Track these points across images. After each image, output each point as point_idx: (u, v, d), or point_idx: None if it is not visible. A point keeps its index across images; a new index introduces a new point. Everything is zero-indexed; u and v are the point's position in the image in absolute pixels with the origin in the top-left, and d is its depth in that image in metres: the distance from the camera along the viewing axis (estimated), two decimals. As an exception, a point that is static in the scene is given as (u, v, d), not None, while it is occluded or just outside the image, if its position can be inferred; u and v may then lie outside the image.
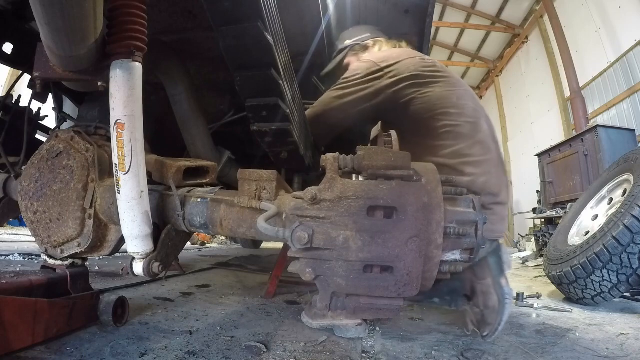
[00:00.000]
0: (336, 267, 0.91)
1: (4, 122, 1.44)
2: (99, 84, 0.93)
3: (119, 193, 0.91)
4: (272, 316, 1.44)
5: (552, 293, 2.33)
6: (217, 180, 1.37)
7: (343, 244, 0.89)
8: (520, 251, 6.21)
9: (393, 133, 1.25)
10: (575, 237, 2.36)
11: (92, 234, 1.05)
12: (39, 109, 1.55)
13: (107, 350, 0.95)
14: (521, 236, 7.13)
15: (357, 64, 1.62)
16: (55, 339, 0.98)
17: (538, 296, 2.12)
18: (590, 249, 1.89)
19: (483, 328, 1.24)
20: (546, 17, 8.28)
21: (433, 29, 5.89)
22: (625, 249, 1.77)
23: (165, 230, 1.05)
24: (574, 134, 6.04)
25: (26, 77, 1.22)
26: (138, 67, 0.89)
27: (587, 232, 2.27)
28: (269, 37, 0.94)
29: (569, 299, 2.09)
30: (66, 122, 1.44)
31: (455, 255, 1.00)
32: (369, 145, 1.50)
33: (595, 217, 2.38)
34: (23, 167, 1.16)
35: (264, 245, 5.94)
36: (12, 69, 3.26)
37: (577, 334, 1.38)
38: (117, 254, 1.16)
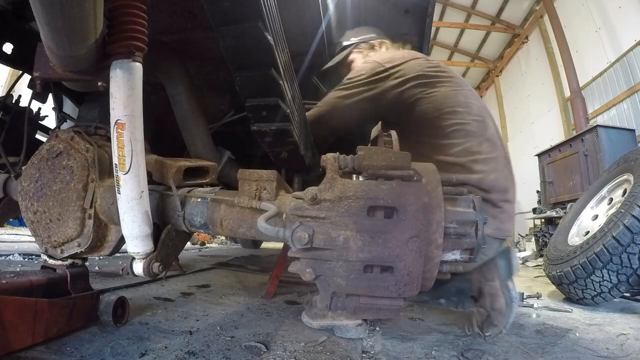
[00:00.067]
0: (336, 267, 0.91)
1: (4, 122, 1.44)
2: (99, 84, 0.93)
3: (119, 193, 0.91)
4: (272, 316, 1.44)
5: (552, 293, 2.33)
6: (217, 180, 1.37)
7: (343, 244, 0.88)
8: (520, 251, 6.21)
9: (393, 133, 1.25)
10: (575, 237, 2.36)
11: (92, 234, 1.05)
12: (39, 109, 1.55)
13: (107, 350, 0.95)
14: (521, 236, 7.13)
15: (362, 64, 1.62)
16: (55, 339, 0.98)
17: (538, 296, 2.12)
18: (590, 249, 1.89)
19: (487, 329, 1.24)
20: (546, 17, 8.28)
21: (433, 29, 5.90)
22: (625, 249, 1.77)
23: (165, 230, 1.05)
24: (574, 134, 6.04)
25: (26, 77, 1.22)
26: (138, 67, 0.89)
27: (587, 232, 2.27)
28: (269, 37, 0.94)
29: (569, 299, 2.09)
30: (66, 122, 1.44)
31: (455, 255, 0.99)
32: (369, 145, 1.50)
33: (595, 217, 2.38)
34: (23, 167, 1.16)
35: (264, 245, 5.94)
36: (12, 69, 3.25)
37: (577, 334, 1.38)
38: (117, 254, 1.16)
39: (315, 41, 1.71)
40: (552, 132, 8.37)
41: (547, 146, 6.20)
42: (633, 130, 5.11)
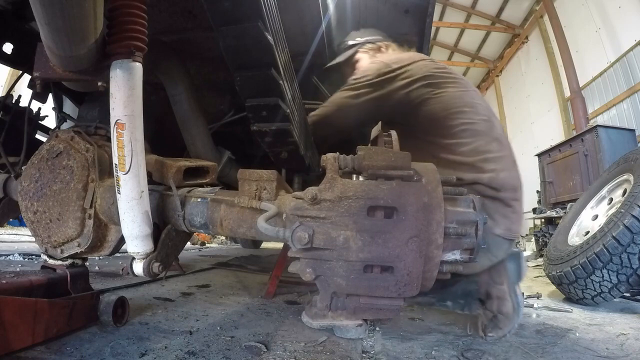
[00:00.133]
0: (336, 267, 0.91)
1: (4, 122, 1.44)
2: (99, 84, 0.93)
3: (119, 193, 0.91)
4: (272, 316, 1.44)
5: (552, 293, 2.33)
6: (217, 180, 1.37)
7: (343, 244, 0.88)
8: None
9: (393, 133, 1.25)
10: (575, 237, 2.36)
11: (92, 234, 1.05)
12: (39, 109, 1.55)
13: (107, 350, 0.95)
14: (521, 236, 7.14)
15: (368, 65, 1.61)
16: (55, 339, 0.98)
17: (538, 296, 2.12)
18: (590, 249, 1.89)
19: (491, 331, 1.24)
20: (546, 17, 8.29)
21: (433, 29, 5.89)
22: (625, 249, 1.77)
23: (165, 230, 1.05)
24: (574, 134, 6.04)
25: (26, 77, 1.22)
26: (138, 67, 0.89)
27: (587, 232, 2.27)
28: (269, 37, 0.94)
29: (569, 299, 2.09)
30: (66, 122, 1.44)
31: (455, 255, 0.99)
32: (369, 145, 1.50)
33: (595, 217, 2.38)
34: (23, 167, 1.16)
35: (264, 245, 5.94)
36: (12, 69, 3.25)
37: (577, 334, 1.38)
38: (117, 254, 1.16)
39: (315, 41, 1.71)
40: (552, 132, 8.38)
41: (547, 146, 6.20)
42: (633, 130, 5.11)
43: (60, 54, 0.84)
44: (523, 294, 1.93)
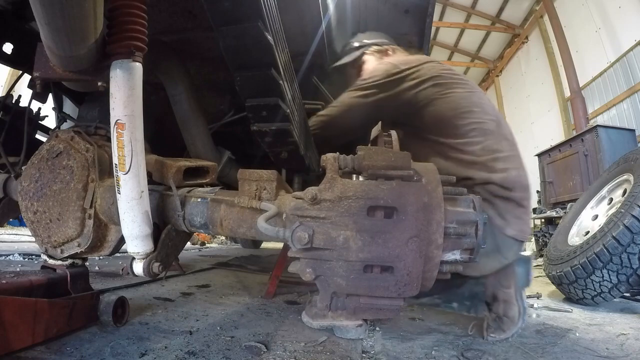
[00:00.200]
0: (336, 267, 0.91)
1: (4, 122, 1.44)
2: (99, 84, 0.93)
3: (119, 193, 0.91)
4: (272, 316, 1.44)
5: (552, 293, 2.33)
6: (217, 180, 1.36)
7: (343, 244, 0.88)
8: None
9: (393, 133, 1.25)
10: (575, 237, 2.36)
11: (92, 234, 1.05)
12: (39, 109, 1.55)
13: (107, 350, 0.95)
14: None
15: (376, 66, 1.62)
16: (55, 339, 0.98)
17: (538, 296, 2.12)
18: (590, 249, 1.89)
19: (494, 333, 1.24)
20: (546, 17, 8.29)
21: (433, 29, 5.89)
22: (625, 249, 1.77)
23: (165, 230, 1.05)
24: (574, 134, 6.04)
25: (26, 77, 1.22)
26: (138, 67, 0.89)
27: (587, 232, 2.27)
28: (269, 37, 0.94)
29: (569, 299, 2.08)
30: (66, 122, 1.44)
31: (455, 255, 0.99)
32: (369, 145, 1.50)
33: (595, 217, 2.38)
34: (23, 167, 1.16)
35: (264, 245, 5.94)
36: (12, 69, 3.25)
37: (577, 334, 1.39)
38: (117, 254, 1.16)
39: (315, 41, 1.71)
40: (552, 132, 8.38)
41: (547, 146, 6.20)
42: (633, 130, 5.12)
43: (60, 54, 0.84)
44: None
